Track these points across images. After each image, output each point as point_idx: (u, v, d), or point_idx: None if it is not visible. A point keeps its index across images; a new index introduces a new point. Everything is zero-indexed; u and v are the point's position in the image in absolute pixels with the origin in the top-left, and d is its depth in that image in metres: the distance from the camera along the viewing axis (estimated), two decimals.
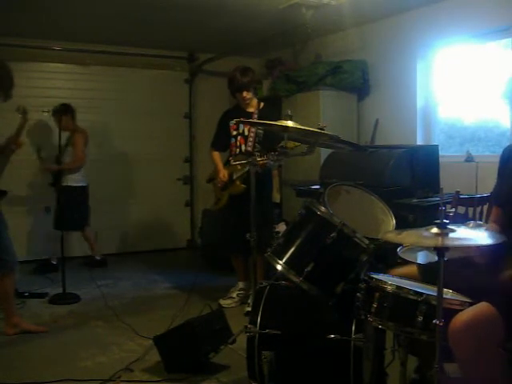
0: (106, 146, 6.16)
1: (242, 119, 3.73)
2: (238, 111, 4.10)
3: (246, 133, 4.08)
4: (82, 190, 5.45)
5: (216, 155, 4.29)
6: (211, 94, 6.73)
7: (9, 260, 3.53)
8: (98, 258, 5.74)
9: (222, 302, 4.23)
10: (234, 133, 4.14)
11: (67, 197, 5.03)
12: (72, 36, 5.79)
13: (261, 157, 3.28)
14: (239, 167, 3.93)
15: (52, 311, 4.17)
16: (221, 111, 4.36)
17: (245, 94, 4.03)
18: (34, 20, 5.14)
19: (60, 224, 4.92)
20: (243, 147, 4.08)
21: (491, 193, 2.48)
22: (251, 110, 4.12)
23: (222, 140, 4.24)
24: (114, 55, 6.19)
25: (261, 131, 4.00)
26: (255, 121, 3.92)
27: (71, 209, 5.12)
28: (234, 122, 4.10)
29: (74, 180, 5.30)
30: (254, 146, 4.04)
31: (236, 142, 4.13)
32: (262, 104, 4.18)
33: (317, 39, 5.74)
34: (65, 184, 5.11)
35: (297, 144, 3.31)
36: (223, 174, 4.09)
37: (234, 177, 4.03)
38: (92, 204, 5.58)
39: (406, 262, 2.38)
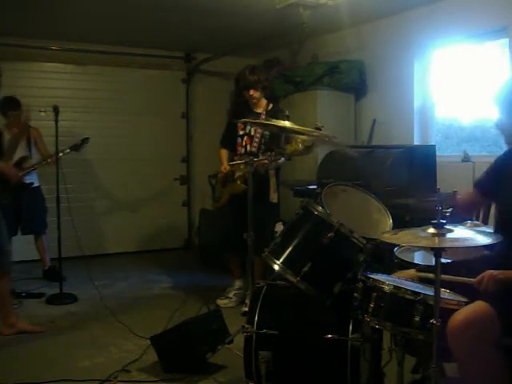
0: (103, 146, 6.14)
1: (241, 120, 3.71)
2: (247, 111, 4.10)
3: (253, 133, 4.08)
4: None
5: (223, 153, 4.27)
6: (208, 94, 6.73)
7: (4, 260, 3.49)
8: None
9: (218, 301, 4.23)
10: (241, 132, 4.13)
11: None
12: (70, 36, 5.78)
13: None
14: (242, 166, 3.92)
15: (49, 311, 4.17)
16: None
17: (252, 92, 4.01)
18: (32, 20, 5.12)
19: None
20: (248, 147, 4.08)
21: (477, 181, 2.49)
22: (259, 110, 4.11)
23: (230, 138, 4.22)
24: (112, 55, 6.18)
25: (267, 132, 3.99)
26: (252, 120, 3.89)
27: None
28: (236, 121, 4.09)
29: None
30: (259, 147, 4.04)
31: (242, 141, 4.12)
32: (270, 105, 4.16)
33: (314, 39, 5.74)
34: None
35: (298, 148, 3.23)
36: (224, 166, 4.08)
37: (236, 176, 4.02)
38: (89, 204, 5.53)
39: (403, 265, 2.39)
